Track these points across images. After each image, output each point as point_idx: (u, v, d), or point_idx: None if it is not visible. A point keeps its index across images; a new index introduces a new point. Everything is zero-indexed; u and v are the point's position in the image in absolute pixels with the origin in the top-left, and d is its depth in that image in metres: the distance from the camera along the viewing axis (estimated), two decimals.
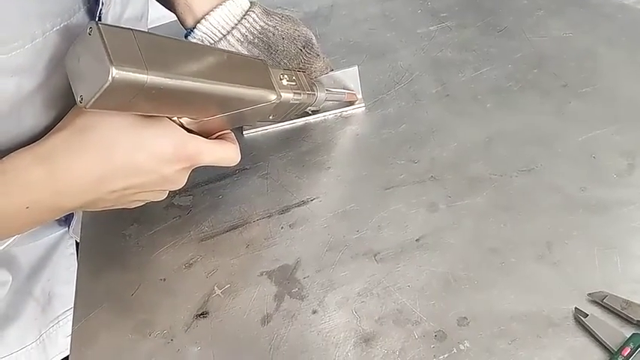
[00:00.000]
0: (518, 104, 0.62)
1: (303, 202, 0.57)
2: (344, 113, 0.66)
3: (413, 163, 0.58)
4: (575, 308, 0.42)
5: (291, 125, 0.67)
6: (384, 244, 0.51)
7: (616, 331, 0.39)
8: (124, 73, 0.37)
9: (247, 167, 0.63)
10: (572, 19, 0.74)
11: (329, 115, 0.66)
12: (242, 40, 0.56)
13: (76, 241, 0.76)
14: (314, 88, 0.60)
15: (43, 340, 0.71)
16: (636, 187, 0.50)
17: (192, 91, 0.43)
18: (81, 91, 0.39)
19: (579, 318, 0.41)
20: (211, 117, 0.49)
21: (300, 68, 0.60)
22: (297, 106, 0.59)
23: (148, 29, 0.91)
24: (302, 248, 0.52)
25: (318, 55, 0.61)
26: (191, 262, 0.54)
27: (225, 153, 0.51)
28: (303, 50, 0.59)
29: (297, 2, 0.90)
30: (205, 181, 0.62)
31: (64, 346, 0.73)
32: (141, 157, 0.44)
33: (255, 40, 0.57)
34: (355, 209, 0.55)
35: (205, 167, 0.63)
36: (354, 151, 0.62)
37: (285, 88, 0.55)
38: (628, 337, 0.39)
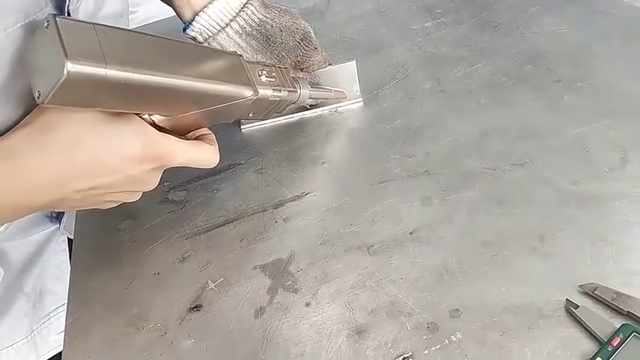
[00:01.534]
0: (512, 99, 0.63)
1: (298, 197, 0.57)
2: (340, 108, 0.67)
3: (407, 157, 0.58)
4: (567, 300, 0.42)
5: (287, 120, 0.67)
6: (378, 237, 0.51)
7: (606, 322, 0.40)
8: (80, 67, 0.36)
9: (242, 162, 0.63)
10: (566, 15, 0.74)
11: (326, 109, 0.67)
12: (240, 32, 0.56)
13: (68, 238, 0.76)
14: (296, 84, 0.59)
15: (34, 336, 0.71)
16: (628, 180, 0.51)
17: (158, 86, 0.42)
18: (38, 87, 0.38)
19: (570, 309, 0.41)
20: (184, 114, 0.47)
21: (296, 62, 0.60)
22: (278, 103, 0.57)
23: (143, 26, 0.91)
24: (296, 242, 0.53)
25: (316, 48, 0.61)
26: (185, 256, 0.54)
27: (200, 154, 0.48)
28: (301, 43, 0.59)
29: None
30: (199, 176, 0.62)
31: (55, 344, 0.73)
32: (106, 156, 0.43)
33: (254, 33, 0.57)
34: (349, 203, 0.55)
35: None
36: (348, 145, 0.62)
37: (263, 84, 0.53)
38: (618, 327, 0.39)
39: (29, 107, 0.46)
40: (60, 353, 0.72)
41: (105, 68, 0.37)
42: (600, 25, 0.71)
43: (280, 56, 0.59)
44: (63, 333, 0.72)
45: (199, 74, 0.45)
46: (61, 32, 0.36)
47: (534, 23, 0.74)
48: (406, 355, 0.42)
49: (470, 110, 0.62)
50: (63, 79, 0.36)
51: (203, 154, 0.49)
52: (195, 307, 0.49)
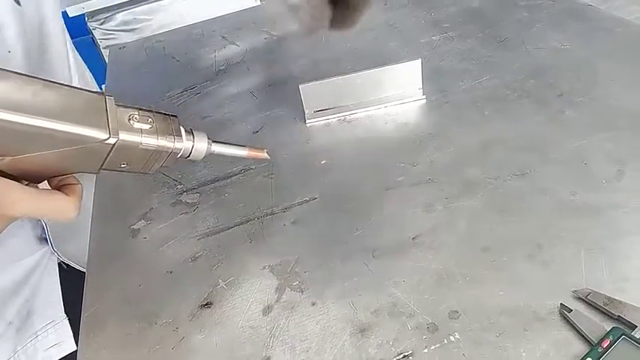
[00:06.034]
0: (514, 112, 0.65)
1: (305, 201, 0.59)
2: (403, 105, 0.70)
3: (412, 166, 0.61)
4: (561, 304, 0.44)
5: (295, 127, 0.69)
6: (382, 241, 0.53)
7: (597, 325, 0.41)
8: None
9: (252, 167, 0.65)
10: (570, 32, 0.76)
11: (390, 105, 0.70)
12: None
13: (58, 258, 0.76)
14: (188, 136, 0.47)
15: (19, 356, 0.69)
16: (624, 192, 0.52)
17: None
18: None
19: (564, 313, 0.43)
20: (22, 155, 0.40)
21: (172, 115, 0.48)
22: (159, 154, 0.46)
23: (157, 35, 0.94)
24: (303, 244, 0.55)
25: None
26: (196, 256, 0.56)
27: (50, 205, 0.41)
28: None
29: None
30: (211, 180, 0.65)
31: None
32: None
33: None
34: (355, 209, 0.57)
35: (211, 165, 0.67)
36: (355, 153, 0.65)
37: (131, 129, 0.44)
38: (608, 330, 0.41)
39: None
40: None
41: None
42: (602, 42, 0.73)
43: None
44: (52, 348, 0.71)
45: (38, 111, 0.39)
46: None
47: (539, 39, 0.76)
48: (406, 354, 0.44)
49: (474, 121, 0.65)
50: None
51: (54, 205, 0.41)
52: (205, 305, 0.51)
